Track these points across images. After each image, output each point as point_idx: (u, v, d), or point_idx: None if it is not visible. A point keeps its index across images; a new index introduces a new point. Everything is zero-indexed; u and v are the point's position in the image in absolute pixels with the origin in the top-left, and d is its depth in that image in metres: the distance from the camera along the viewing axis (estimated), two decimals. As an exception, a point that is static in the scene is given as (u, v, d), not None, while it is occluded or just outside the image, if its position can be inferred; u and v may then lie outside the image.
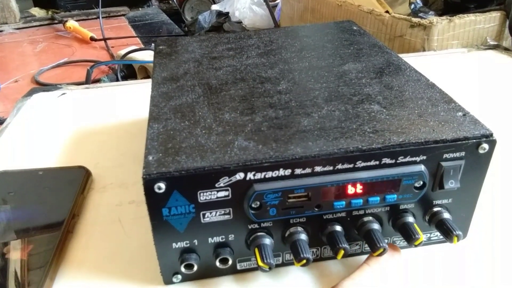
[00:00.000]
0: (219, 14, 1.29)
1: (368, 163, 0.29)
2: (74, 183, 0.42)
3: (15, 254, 0.34)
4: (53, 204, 0.40)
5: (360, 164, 0.28)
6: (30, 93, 0.65)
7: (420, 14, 0.77)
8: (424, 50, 0.72)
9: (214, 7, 1.46)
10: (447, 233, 0.30)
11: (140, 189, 0.27)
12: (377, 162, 0.29)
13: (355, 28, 0.51)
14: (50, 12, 1.73)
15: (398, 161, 0.29)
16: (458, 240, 0.30)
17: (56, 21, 1.61)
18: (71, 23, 1.48)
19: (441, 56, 0.68)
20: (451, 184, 0.30)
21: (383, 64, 0.40)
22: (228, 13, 1.32)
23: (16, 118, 0.58)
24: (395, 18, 0.73)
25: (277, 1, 1.32)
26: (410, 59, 0.66)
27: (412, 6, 0.82)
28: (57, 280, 0.33)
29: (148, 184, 0.27)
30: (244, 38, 0.50)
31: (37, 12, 1.73)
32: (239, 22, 1.30)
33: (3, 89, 1.06)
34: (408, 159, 0.29)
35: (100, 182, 0.45)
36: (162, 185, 0.27)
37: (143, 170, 0.27)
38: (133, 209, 0.41)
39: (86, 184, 0.43)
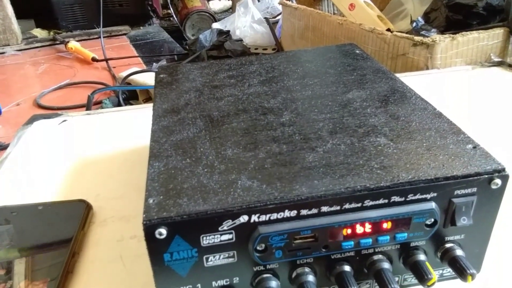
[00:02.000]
0: (220, 32, 1.29)
1: (377, 202, 0.28)
2: (75, 218, 0.41)
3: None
4: (53, 242, 0.39)
5: (368, 203, 0.27)
6: (31, 120, 0.65)
7: (422, 32, 0.76)
8: (427, 69, 0.71)
9: (215, 25, 1.46)
10: (461, 271, 0.29)
11: (141, 222, 0.26)
12: (386, 201, 0.28)
13: (357, 51, 0.50)
14: (51, 33, 1.74)
15: (407, 199, 0.28)
16: (472, 279, 0.29)
17: (57, 42, 1.62)
18: (73, 44, 1.48)
19: (445, 74, 0.67)
20: (463, 221, 0.28)
21: (388, 91, 0.39)
22: (229, 31, 1.32)
23: (17, 147, 0.57)
24: (397, 37, 0.73)
25: (277, 18, 1.32)
26: (414, 78, 0.66)
27: (414, 24, 0.81)
28: (57, 325, 0.32)
29: (149, 229, 0.26)
30: (246, 64, 0.49)
31: (38, 33, 1.74)
32: (240, 40, 1.31)
33: (5, 113, 1.06)
34: (418, 196, 0.28)
35: (100, 215, 0.44)
36: (164, 230, 0.26)
37: (144, 215, 0.26)
38: (134, 244, 0.40)
39: (86, 219, 0.42)
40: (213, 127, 0.36)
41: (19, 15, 1.64)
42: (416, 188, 0.27)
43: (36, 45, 1.63)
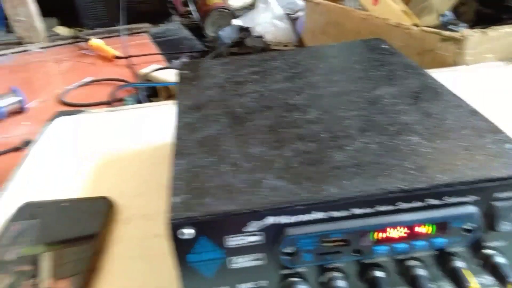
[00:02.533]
0: (240, 29, 1.28)
1: (412, 205, 0.26)
2: (98, 215, 0.41)
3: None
4: (77, 239, 0.38)
5: (402, 205, 0.26)
6: (54, 117, 0.65)
7: (451, 27, 0.73)
8: (456, 65, 0.68)
9: (235, 22, 1.45)
10: (502, 279, 0.27)
11: (166, 222, 0.26)
12: (421, 203, 0.26)
13: (385, 46, 0.48)
14: (74, 30, 1.76)
15: (444, 202, 0.26)
16: (513, 288, 0.27)
17: (80, 39, 1.63)
18: (95, 41, 1.50)
19: (476, 71, 0.65)
20: (504, 226, 0.27)
21: (419, 87, 0.38)
22: (249, 28, 1.31)
23: (40, 144, 0.58)
24: (425, 32, 0.70)
25: (298, 14, 1.30)
26: (442, 74, 0.63)
27: (442, 18, 0.78)
28: (80, 324, 0.32)
29: (174, 229, 0.25)
30: (269, 60, 0.48)
31: (61, 30, 1.76)
32: (260, 37, 1.29)
33: (30, 110, 1.07)
34: (456, 199, 0.26)
35: (123, 212, 0.44)
36: (189, 230, 0.25)
37: (168, 214, 0.26)
38: (158, 243, 0.39)
39: (109, 217, 0.42)
40: (236, 124, 0.35)
41: (43, 13, 1.66)
42: (453, 190, 0.26)
43: (59, 42, 1.65)
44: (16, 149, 0.88)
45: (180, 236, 0.25)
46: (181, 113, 0.37)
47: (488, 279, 0.30)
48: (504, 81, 0.63)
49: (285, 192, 0.26)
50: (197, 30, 1.75)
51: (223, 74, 0.45)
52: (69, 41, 1.66)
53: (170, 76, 1.01)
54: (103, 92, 1.13)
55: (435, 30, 0.70)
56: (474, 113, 0.33)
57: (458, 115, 0.33)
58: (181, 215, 0.25)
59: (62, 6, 1.76)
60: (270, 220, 0.26)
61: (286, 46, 1.32)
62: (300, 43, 1.25)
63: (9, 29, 1.70)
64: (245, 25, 1.38)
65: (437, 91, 0.37)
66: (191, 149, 0.32)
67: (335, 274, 0.28)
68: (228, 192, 0.27)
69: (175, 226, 0.25)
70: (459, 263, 0.28)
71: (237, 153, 0.31)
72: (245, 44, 1.22)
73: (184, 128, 0.35)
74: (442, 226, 0.26)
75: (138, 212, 0.43)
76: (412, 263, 0.28)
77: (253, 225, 0.26)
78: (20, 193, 0.47)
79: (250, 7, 2.01)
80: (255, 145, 0.32)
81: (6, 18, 1.59)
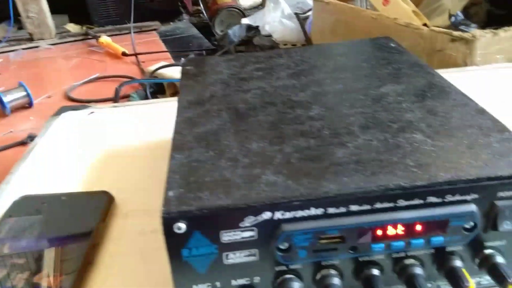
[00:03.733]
0: (249, 28, 1.28)
1: (411, 202, 0.25)
2: (97, 209, 0.41)
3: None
4: (75, 232, 0.38)
5: (402, 203, 0.25)
6: (59, 112, 0.65)
7: (461, 27, 0.72)
8: (466, 65, 0.67)
9: (244, 21, 1.45)
10: (501, 280, 0.27)
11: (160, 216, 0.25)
12: (422, 201, 0.25)
13: (393, 45, 0.47)
14: (84, 28, 1.77)
15: (445, 200, 0.26)
16: (515, 290, 0.26)
17: (89, 37, 1.64)
18: (104, 39, 1.50)
19: (485, 72, 0.64)
20: (506, 226, 0.26)
21: (425, 86, 0.37)
22: (258, 27, 1.31)
23: (44, 138, 0.58)
24: (435, 32, 0.69)
25: (307, 14, 1.30)
26: (451, 75, 0.62)
27: (453, 18, 0.77)
28: (75, 317, 0.32)
29: (168, 223, 0.25)
30: (274, 57, 0.47)
31: (72, 28, 1.78)
32: (269, 36, 1.29)
33: (37, 105, 1.08)
34: (457, 197, 0.26)
35: (123, 207, 0.43)
36: (183, 225, 0.25)
37: (163, 208, 0.25)
38: (155, 238, 0.39)
39: (108, 211, 0.41)
40: (238, 120, 0.34)
41: (54, 10, 1.68)
42: (455, 188, 0.25)
43: (69, 39, 1.67)
44: (21, 143, 0.88)
45: (176, 231, 0.25)
46: (182, 108, 0.37)
47: (485, 279, 0.29)
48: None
49: (283, 187, 0.26)
50: (206, 28, 1.76)
51: (228, 70, 0.45)
52: (79, 38, 1.67)
53: (177, 73, 1.01)
54: (109, 89, 1.13)
55: (445, 30, 0.69)
56: (481, 112, 0.32)
57: (465, 114, 0.32)
58: (175, 209, 0.25)
59: (73, 4, 1.78)
60: (266, 215, 0.25)
61: (294, 45, 1.31)
62: (308, 43, 1.24)
63: (20, 26, 1.71)
64: (254, 24, 1.37)
65: (444, 90, 0.36)
66: (190, 144, 0.31)
67: (331, 271, 0.27)
68: (224, 186, 0.26)
69: (169, 220, 0.25)
70: (457, 262, 0.27)
71: (236, 148, 0.30)
72: (253, 43, 1.21)
73: (184, 123, 0.35)
74: (442, 224, 0.26)
75: (137, 207, 0.43)
76: (409, 261, 0.27)
77: (249, 220, 0.25)
78: (21, 186, 0.47)
79: (260, 7, 2.01)
80: (256, 141, 0.31)
81: (17, 15, 1.60)
